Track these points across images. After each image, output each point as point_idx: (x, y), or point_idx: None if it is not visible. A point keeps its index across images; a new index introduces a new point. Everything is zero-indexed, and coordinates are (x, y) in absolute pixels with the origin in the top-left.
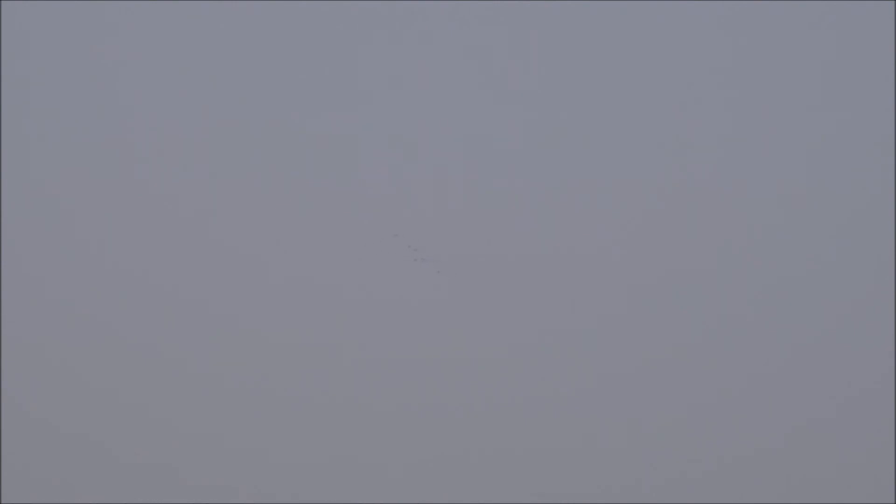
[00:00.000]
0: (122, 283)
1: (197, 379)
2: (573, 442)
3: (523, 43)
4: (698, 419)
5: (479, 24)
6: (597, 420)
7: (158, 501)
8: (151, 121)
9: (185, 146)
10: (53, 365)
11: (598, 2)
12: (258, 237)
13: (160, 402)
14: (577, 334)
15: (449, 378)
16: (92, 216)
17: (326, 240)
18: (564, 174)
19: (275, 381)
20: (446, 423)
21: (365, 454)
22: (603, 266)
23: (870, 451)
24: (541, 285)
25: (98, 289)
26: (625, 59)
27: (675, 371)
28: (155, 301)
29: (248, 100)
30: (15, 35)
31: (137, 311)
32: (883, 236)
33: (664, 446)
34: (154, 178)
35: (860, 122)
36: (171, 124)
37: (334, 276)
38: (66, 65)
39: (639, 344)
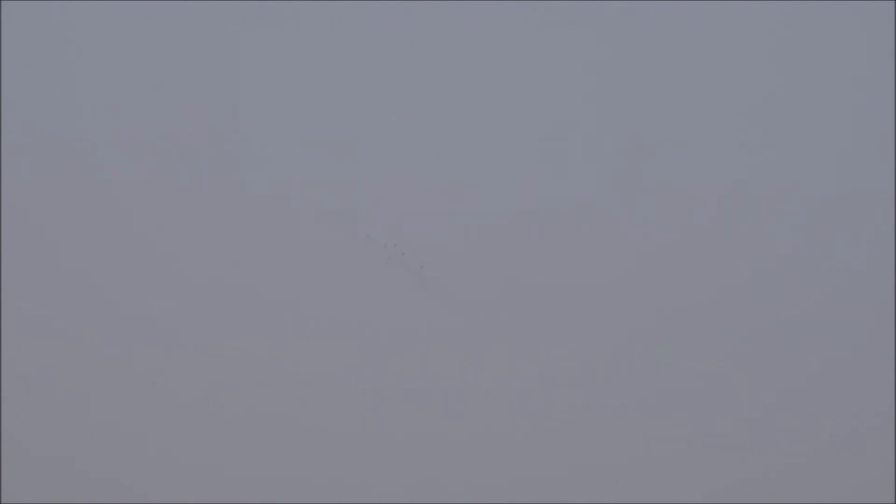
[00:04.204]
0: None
1: (175, 391)
2: (572, 458)
3: (520, 41)
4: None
5: (473, 23)
6: (596, 428)
7: (157, 501)
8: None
9: (167, 149)
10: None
11: (598, 2)
12: (222, 242)
13: (133, 414)
14: (570, 334)
15: (439, 384)
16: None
17: (298, 246)
18: (549, 169)
19: (247, 397)
20: (425, 426)
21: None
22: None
23: (870, 451)
24: (532, 283)
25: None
26: (619, 62)
27: (677, 383)
28: (120, 311)
29: (239, 103)
30: None
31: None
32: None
33: (665, 467)
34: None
35: (861, 123)
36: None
37: (312, 285)
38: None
39: (634, 346)
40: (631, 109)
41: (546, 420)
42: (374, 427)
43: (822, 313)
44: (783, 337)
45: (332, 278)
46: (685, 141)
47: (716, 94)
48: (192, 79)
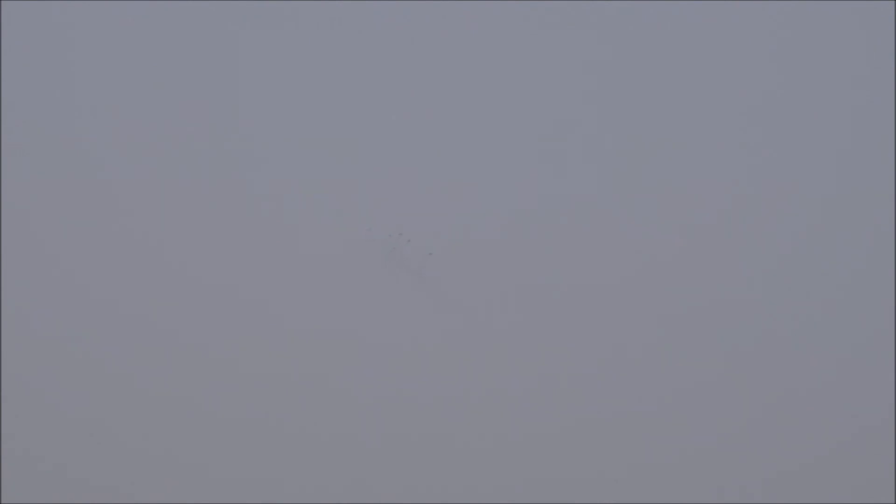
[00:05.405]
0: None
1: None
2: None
3: (523, 41)
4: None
5: (475, 23)
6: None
7: (157, 502)
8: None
9: (167, 149)
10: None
11: (598, 2)
12: (226, 237)
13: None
14: (570, 335)
15: (439, 384)
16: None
17: (306, 241)
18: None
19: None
20: (423, 416)
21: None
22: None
23: (870, 451)
24: (532, 284)
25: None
26: (619, 62)
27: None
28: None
29: (244, 99)
30: None
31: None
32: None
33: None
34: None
35: (861, 123)
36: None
37: (312, 285)
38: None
39: (636, 337)
40: (631, 109)
41: (547, 421)
42: (375, 428)
43: (823, 314)
44: (783, 337)
45: (332, 278)
46: (685, 141)
47: (716, 94)
48: (192, 79)
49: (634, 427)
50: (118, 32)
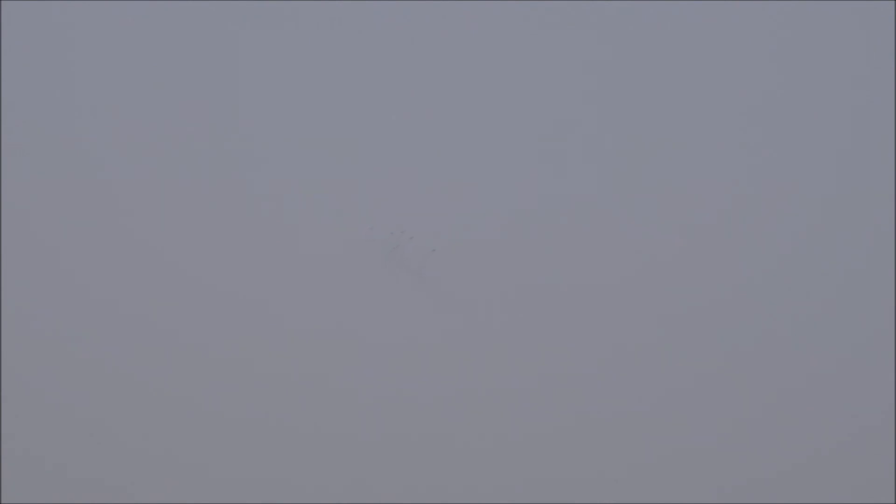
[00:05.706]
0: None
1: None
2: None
3: (526, 41)
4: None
5: (475, 23)
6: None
7: (156, 502)
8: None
9: (165, 147)
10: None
11: (598, 2)
12: (236, 233)
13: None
14: (569, 334)
15: (439, 384)
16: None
17: (312, 240)
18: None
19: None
20: (426, 411)
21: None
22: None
23: (870, 450)
24: (532, 283)
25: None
26: (619, 62)
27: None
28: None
29: (245, 99)
30: None
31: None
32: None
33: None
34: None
35: (861, 123)
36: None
37: (312, 285)
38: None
39: (631, 333)
40: (631, 109)
41: (547, 420)
42: (375, 427)
43: (823, 314)
44: (783, 337)
45: (334, 278)
46: (685, 141)
47: (716, 94)
48: (192, 79)
49: (634, 427)
50: (118, 32)
